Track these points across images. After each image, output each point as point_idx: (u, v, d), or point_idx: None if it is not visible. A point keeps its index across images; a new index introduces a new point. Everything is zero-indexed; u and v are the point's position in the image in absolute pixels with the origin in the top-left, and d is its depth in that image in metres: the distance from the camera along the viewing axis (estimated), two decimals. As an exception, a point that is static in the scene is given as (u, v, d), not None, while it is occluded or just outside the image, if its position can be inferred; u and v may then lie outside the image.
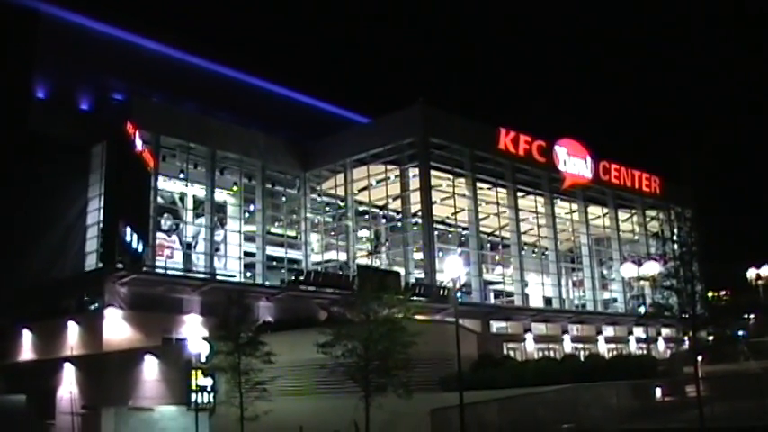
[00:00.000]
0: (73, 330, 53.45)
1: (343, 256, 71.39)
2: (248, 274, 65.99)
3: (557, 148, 75.90)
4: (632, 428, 31.25)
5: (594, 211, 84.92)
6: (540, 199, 77.84)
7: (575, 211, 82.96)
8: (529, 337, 69.01)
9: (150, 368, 43.60)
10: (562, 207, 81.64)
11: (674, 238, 32.01)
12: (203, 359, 37.79)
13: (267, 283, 63.85)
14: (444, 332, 39.27)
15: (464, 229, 71.44)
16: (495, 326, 69.36)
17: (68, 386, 49.01)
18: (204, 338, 39.91)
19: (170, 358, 42.52)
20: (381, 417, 31.04)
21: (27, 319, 58.04)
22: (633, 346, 77.93)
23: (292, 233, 72.92)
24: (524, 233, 76.83)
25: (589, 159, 79.25)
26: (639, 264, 49.52)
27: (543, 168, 75.60)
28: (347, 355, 31.54)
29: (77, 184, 60.60)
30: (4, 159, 61.43)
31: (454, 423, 31.20)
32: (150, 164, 57.62)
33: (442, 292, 61.59)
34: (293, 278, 62.44)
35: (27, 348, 57.64)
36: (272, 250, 69.29)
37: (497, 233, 76.83)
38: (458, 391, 29.72)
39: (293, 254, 71.44)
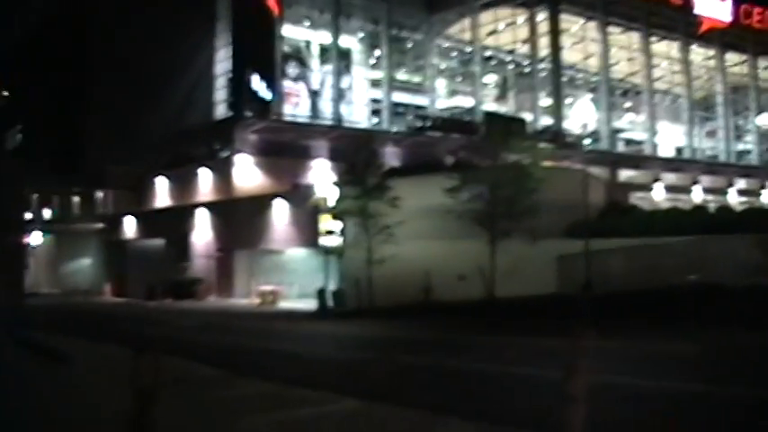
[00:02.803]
0: (205, 177, 55.36)
1: (469, 102, 70.62)
2: (375, 121, 66.15)
3: (695, -12, 71.99)
4: (758, 283, 30.45)
5: (732, 57, 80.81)
6: (675, 44, 74.65)
7: (711, 58, 79.28)
8: (657, 186, 67.62)
9: (280, 212, 44.88)
10: (698, 53, 78.14)
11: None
12: (332, 203, 38.53)
13: (393, 129, 63.98)
14: (571, 179, 38.76)
15: (594, 74, 69.41)
16: (623, 174, 68.14)
17: (202, 230, 51.11)
18: (333, 183, 40.58)
19: (299, 203, 43.56)
20: (507, 262, 31.24)
21: (161, 168, 60.37)
22: (766, 200, 75.46)
23: (418, 79, 72.24)
24: (657, 80, 74.14)
25: (729, 1, 74.81)
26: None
27: (679, 11, 71.97)
28: (473, 200, 31.61)
29: (205, 34, 61.11)
30: (129, 11, 62.57)
31: (579, 269, 31.22)
32: (275, 11, 57.52)
33: (569, 138, 60.68)
34: (419, 124, 62.42)
35: (163, 195, 60.23)
36: (398, 96, 68.91)
37: (628, 79, 74.36)
38: (583, 239, 29.57)
39: (419, 100, 70.96)
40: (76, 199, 69.69)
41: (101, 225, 62.08)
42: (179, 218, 53.47)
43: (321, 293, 36.62)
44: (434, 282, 35.32)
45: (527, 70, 69.31)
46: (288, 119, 58.13)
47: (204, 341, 24.25)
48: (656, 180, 68.03)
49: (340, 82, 63.66)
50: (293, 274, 44.73)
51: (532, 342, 19.25)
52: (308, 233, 41.32)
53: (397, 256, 33.65)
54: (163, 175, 60.22)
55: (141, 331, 26.61)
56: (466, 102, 71.00)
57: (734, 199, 72.74)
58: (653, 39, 72.17)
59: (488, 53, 71.12)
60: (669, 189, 68.73)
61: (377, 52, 67.71)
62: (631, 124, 76.67)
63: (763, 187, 77.44)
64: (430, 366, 15.06)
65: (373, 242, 34.66)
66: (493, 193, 31.44)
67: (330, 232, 38.12)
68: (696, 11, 72.05)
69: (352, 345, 22.03)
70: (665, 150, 75.57)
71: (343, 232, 38.09)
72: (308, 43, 64.37)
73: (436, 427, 9.42)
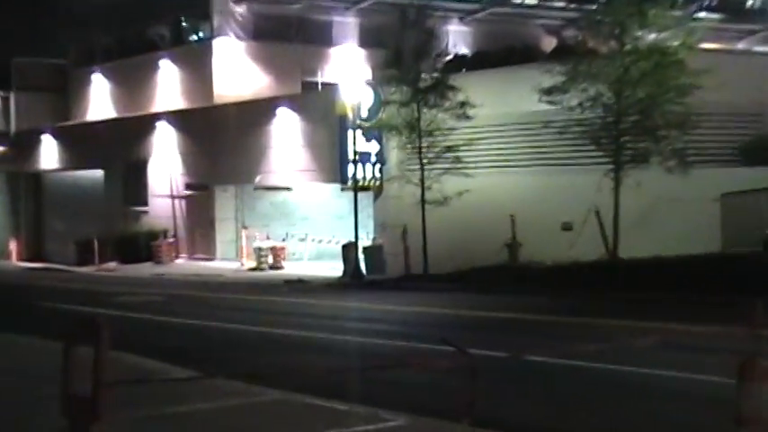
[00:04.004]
0: (168, 73, 55.41)
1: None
2: (431, -15, 65.72)
3: None
4: None
5: None
6: None
7: None
8: None
9: (285, 127, 44.95)
10: None
11: None
12: (365, 114, 38.53)
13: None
14: (751, 70, 38.29)
15: None
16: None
17: (166, 156, 51.32)
18: (367, 82, 40.58)
19: (315, 113, 43.58)
20: (639, 202, 31.10)
21: (99, 59, 60.46)
22: None
23: None
24: None
25: None
26: None
27: None
28: (587, 106, 31.39)
29: None
30: None
31: (758, 216, 30.92)
32: None
33: (747, 5, 59.97)
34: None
35: (102, 101, 60.29)
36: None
37: None
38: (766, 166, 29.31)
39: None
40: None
41: (0, 148, 62.56)
42: (128, 136, 53.70)
43: (348, 251, 36.82)
44: (523, 234, 35.35)
45: None
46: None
47: (170, 326, 24.54)
48: None
49: None
50: (306, 222, 45.13)
51: (682, 330, 19.17)
52: (328, 160, 41.47)
53: (466, 195, 33.66)
54: (101, 70, 60.37)
55: (73, 313, 26.87)
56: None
57: None
58: None
59: None
60: None
61: None
62: None
63: None
64: (520, 364, 15.08)
65: (429, 173, 34.66)
66: (618, 94, 31.16)
67: (363, 158, 38.21)
68: None
69: (396, 331, 22.11)
70: None
71: (381, 158, 38.17)
72: None
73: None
